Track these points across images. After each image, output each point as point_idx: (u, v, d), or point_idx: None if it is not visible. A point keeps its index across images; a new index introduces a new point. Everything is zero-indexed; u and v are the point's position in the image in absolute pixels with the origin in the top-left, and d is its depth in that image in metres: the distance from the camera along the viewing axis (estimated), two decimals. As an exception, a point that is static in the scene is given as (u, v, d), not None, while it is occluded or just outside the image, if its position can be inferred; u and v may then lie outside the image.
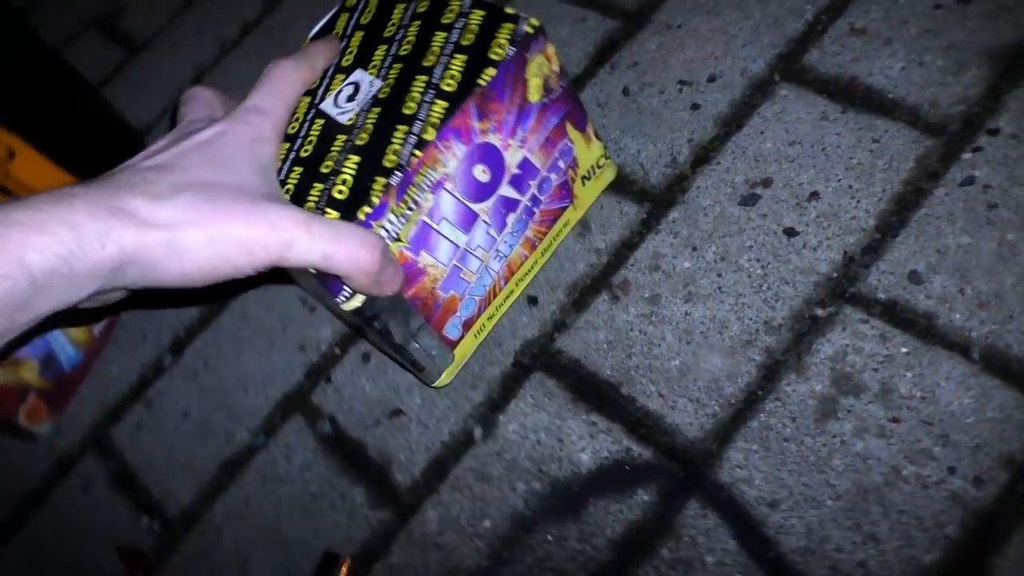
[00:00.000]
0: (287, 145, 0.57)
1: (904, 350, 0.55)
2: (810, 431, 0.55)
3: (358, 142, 0.54)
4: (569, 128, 0.60)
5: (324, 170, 0.54)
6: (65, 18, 1.17)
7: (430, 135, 0.52)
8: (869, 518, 0.51)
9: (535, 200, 0.61)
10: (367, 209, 0.51)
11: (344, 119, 0.56)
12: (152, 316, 0.81)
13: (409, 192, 0.53)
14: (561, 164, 0.61)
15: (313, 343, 0.73)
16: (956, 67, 0.64)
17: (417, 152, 0.52)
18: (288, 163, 0.56)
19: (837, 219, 0.61)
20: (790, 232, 0.62)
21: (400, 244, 0.54)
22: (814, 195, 0.63)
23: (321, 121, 0.57)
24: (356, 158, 0.53)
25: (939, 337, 0.55)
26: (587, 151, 0.63)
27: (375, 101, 0.56)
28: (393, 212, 0.53)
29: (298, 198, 0.53)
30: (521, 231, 0.61)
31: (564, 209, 0.64)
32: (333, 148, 0.55)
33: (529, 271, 0.64)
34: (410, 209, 0.53)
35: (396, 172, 0.52)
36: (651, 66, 0.75)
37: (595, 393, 0.61)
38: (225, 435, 0.71)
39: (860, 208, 0.61)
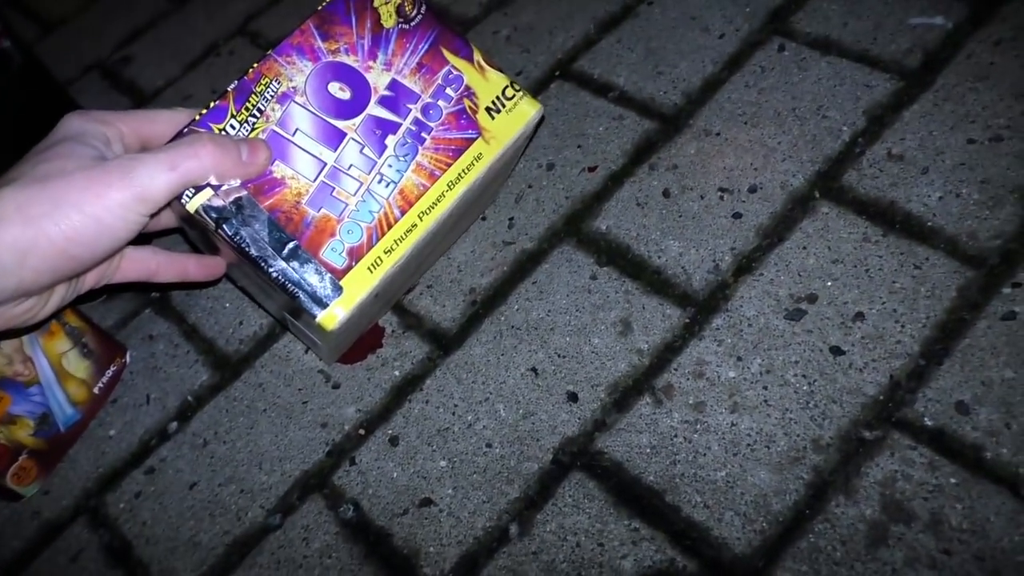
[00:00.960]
0: None
1: (953, 480, 0.56)
2: (860, 556, 0.55)
3: None
4: (447, 55, 0.62)
5: None
6: (64, 63, 1.14)
7: (268, 50, 0.57)
8: (922, 652, 0.51)
9: (421, 125, 0.60)
10: (203, 111, 0.55)
11: None
12: (157, 376, 0.77)
13: (251, 99, 0.56)
14: (450, 92, 0.61)
15: (336, 422, 0.70)
16: (992, 201, 0.67)
17: (255, 64, 0.57)
18: None
19: (883, 342, 0.62)
20: (836, 351, 0.63)
21: None
22: (859, 316, 0.64)
23: None
24: None
25: (987, 471, 0.56)
26: (483, 80, 0.62)
27: None
28: (235, 117, 0.56)
29: None
30: (410, 156, 0.59)
31: (470, 141, 0.61)
32: None
33: (436, 203, 0.60)
34: (254, 116, 0.56)
35: (235, 81, 0.56)
36: (691, 170, 0.77)
37: (638, 499, 0.61)
38: (236, 512, 0.68)
39: (905, 333, 0.62)
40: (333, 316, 0.57)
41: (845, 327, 0.64)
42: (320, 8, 0.59)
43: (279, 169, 0.56)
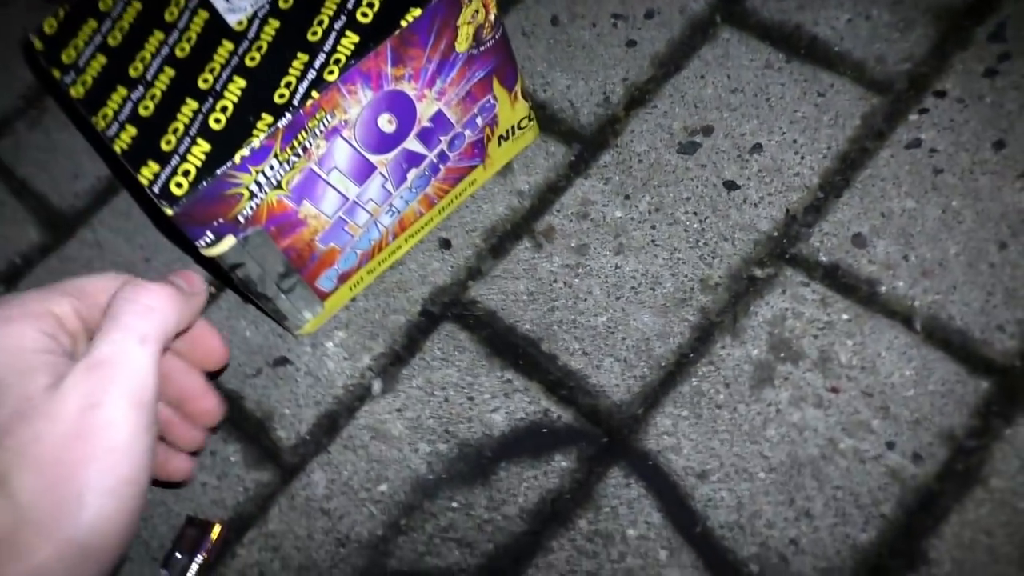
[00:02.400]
0: (160, 35, 0.48)
1: (845, 317, 0.52)
2: (744, 398, 0.51)
3: (248, 62, 0.46)
4: (495, 84, 0.54)
5: (202, 85, 0.46)
6: None
7: (333, 75, 0.44)
8: (803, 493, 0.48)
9: (443, 157, 0.55)
10: (244, 152, 0.44)
11: (233, 19, 0.47)
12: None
13: (299, 137, 0.45)
14: (479, 121, 0.55)
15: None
16: (903, 23, 0.61)
17: (315, 93, 0.44)
18: (159, 59, 0.47)
19: (780, 175, 0.57)
20: (730, 185, 0.57)
21: (280, 192, 0.47)
22: (757, 147, 0.58)
23: (205, 14, 0.48)
24: (242, 82, 0.45)
25: (881, 305, 0.52)
26: (511, 110, 0.57)
27: (274, 9, 0.47)
28: (277, 157, 0.45)
29: (164, 111, 0.45)
30: (422, 188, 0.55)
31: (472, 168, 0.58)
32: (216, 58, 0.46)
33: (422, 228, 0.59)
34: (297, 156, 0.46)
35: (287, 112, 0.44)
36: (584, -3, 0.68)
37: (512, 349, 0.55)
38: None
39: (804, 165, 0.57)
40: (308, 330, 0.58)
41: (741, 160, 0.58)
42: (406, 24, 0.45)
43: (304, 209, 0.49)
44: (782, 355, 0.51)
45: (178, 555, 0.51)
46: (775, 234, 0.55)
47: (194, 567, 0.50)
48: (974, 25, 0.59)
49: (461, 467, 0.52)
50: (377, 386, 0.56)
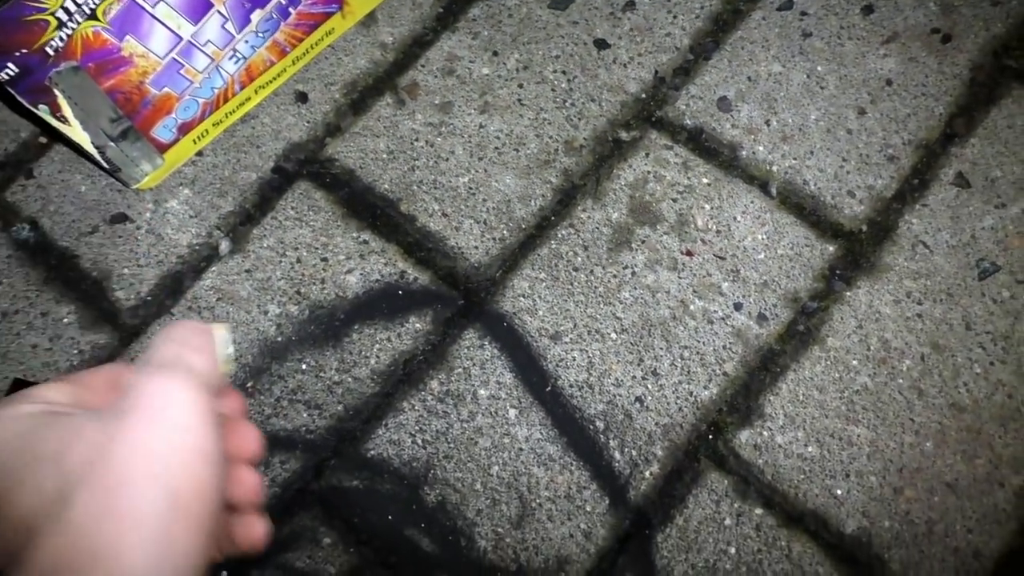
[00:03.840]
0: None
1: (705, 180, 0.51)
2: (602, 261, 0.50)
3: None
4: None
5: None
6: None
7: None
8: (652, 353, 0.48)
9: (298, 1, 0.50)
10: None
11: None
12: None
13: None
14: None
15: (10, 128, 0.57)
16: None
17: None
18: None
19: (651, 34, 0.55)
20: (601, 44, 0.55)
21: (96, 23, 0.42)
22: (630, 4, 0.56)
23: None
24: None
25: (741, 169, 0.52)
26: None
27: None
28: None
29: None
30: (270, 33, 0.51)
31: (329, 15, 0.54)
32: None
33: (274, 79, 0.54)
34: None
35: None
36: None
37: (370, 209, 0.53)
38: None
39: (676, 25, 0.55)
40: (147, 184, 0.53)
41: (614, 18, 0.56)
42: None
43: (128, 46, 0.44)
44: (641, 218, 0.51)
45: None
46: (643, 96, 0.54)
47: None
48: None
49: (312, 329, 0.50)
50: (225, 246, 0.53)
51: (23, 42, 0.40)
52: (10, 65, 0.41)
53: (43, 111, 0.45)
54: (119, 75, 0.45)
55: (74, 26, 0.41)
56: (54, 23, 0.41)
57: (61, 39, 0.41)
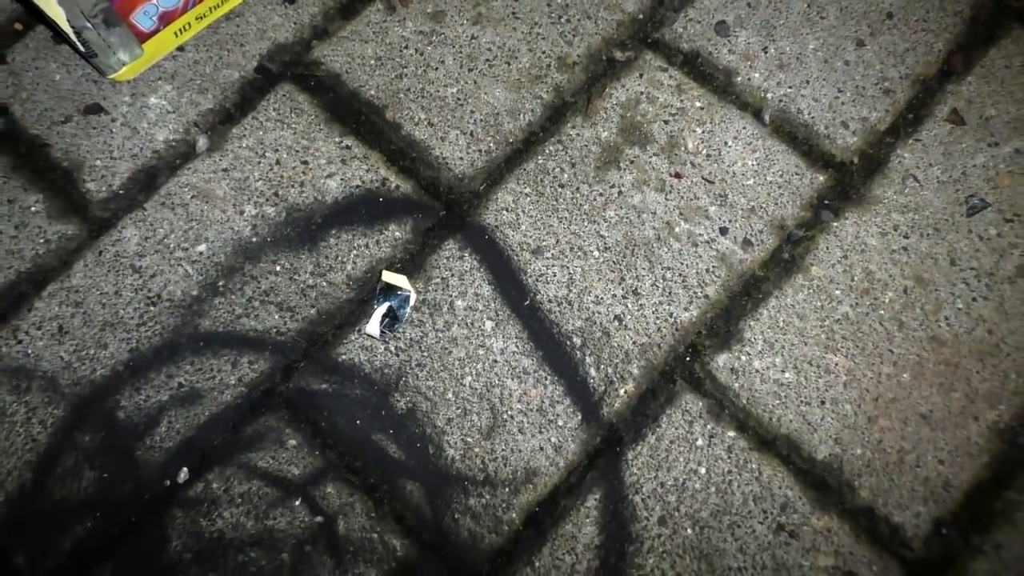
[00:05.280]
0: None
1: (699, 104, 0.50)
2: (588, 179, 0.49)
3: None
4: None
5: None
6: None
7: None
8: (634, 272, 0.47)
9: None
10: None
11: None
12: None
13: None
14: None
15: (-16, 11, 0.55)
16: None
17: None
18: None
19: (653, -46, 0.54)
20: (601, -39, 0.54)
21: None
22: (633, -76, 0.54)
23: None
24: None
25: (735, 95, 0.51)
26: None
27: None
28: None
29: None
30: None
31: None
32: None
33: None
34: None
35: None
36: None
37: (354, 114, 0.51)
38: None
39: (679, -54, 0.54)
40: (126, 75, 0.51)
41: (615, -64, 0.54)
42: None
43: None
44: (631, 138, 0.50)
45: None
46: (640, 17, 0.52)
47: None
48: None
49: (288, 232, 0.49)
50: (203, 143, 0.51)
51: None
52: None
53: None
54: None
55: None
56: None
57: None
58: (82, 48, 0.48)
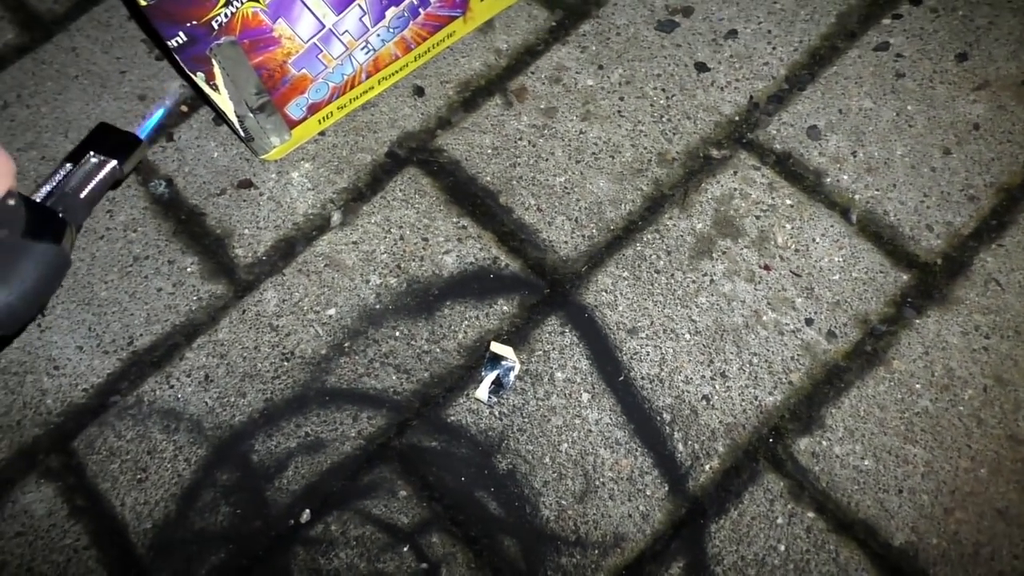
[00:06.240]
0: None
1: (789, 202, 0.54)
2: (683, 266, 0.54)
3: None
4: None
5: None
6: None
7: None
8: (722, 356, 0.51)
9: (426, 4, 0.55)
10: None
11: None
12: (-43, 32, 0.67)
13: None
14: None
15: (157, 96, 0.63)
16: (895, -66, 0.62)
17: None
18: None
19: (750, 62, 0.58)
20: (701, 67, 0.59)
21: (256, 5, 0.48)
22: (732, 33, 0.59)
23: None
24: None
25: (824, 195, 0.54)
26: None
27: None
28: None
29: None
30: (399, 29, 0.56)
31: (453, 18, 0.59)
32: None
33: (397, 72, 0.60)
34: None
35: None
36: None
37: (471, 198, 0.57)
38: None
39: (775, 55, 0.58)
40: (274, 156, 0.59)
41: (716, 44, 0.59)
42: None
43: (280, 28, 0.50)
44: (724, 231, 0.54)
45: (93, 155, 0.47)
46: (736, 118, 0.57)
47: (108, 168, 0.47)
48: (962, -60, 0.60)
49: (408, 301, 0.55)
50: (337, 218, 0.57)
51: (194, 15, 0.46)
52: (180, 34, 0.47)
53: (199, 78, 0.50)
54: (267, 53, 0.51)
55: (239, 5, 0.47)
56: (223, 1, 0.46)
57: (225, 16, 0.47)
58: (241, 132, 0.56)
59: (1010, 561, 0.45)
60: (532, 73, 0.60)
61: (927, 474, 0.47)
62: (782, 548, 0.46)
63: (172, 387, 0.53)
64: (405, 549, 0.48)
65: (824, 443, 0.48)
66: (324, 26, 0.52)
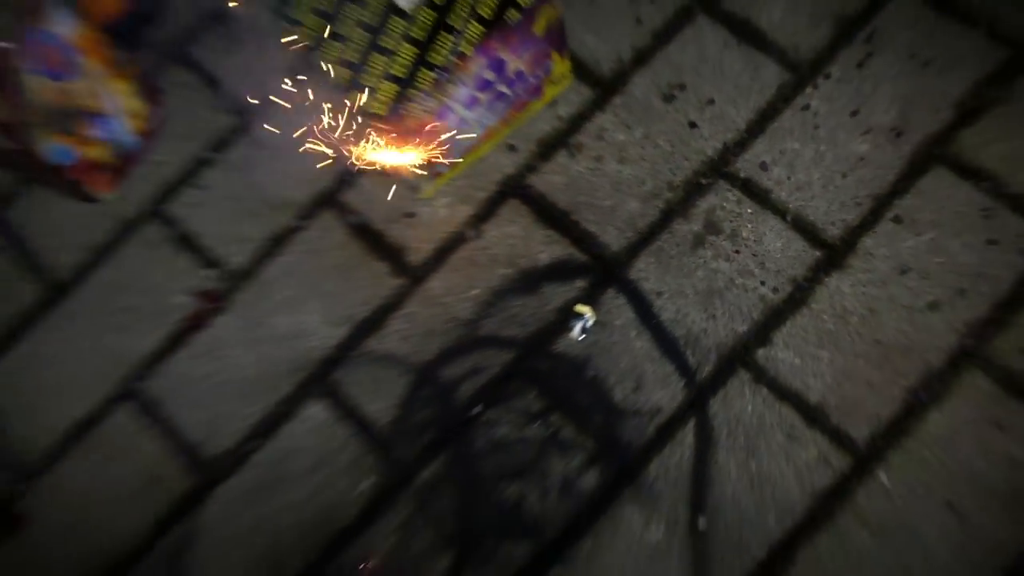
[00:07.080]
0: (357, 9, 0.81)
1: (749, 211, 0.89)
2: (687, 254, 0.89)
3: (413, 34, 0.79)
4: (553, 52, 0.88)
5: (383, 44, 0.79)
6: None
7: (468, 51, 0.78)
8: (712, 307, 0.87)
9: (517, 95, 0.89)
10: (414, 92, 0.78)
11: (404, 3, 0.80)
12: (193, 113, 1.01)
13: (445, 84, 0.80)
14: (540, 73, 0.89)
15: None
16: (814, 23, 0.95)
17: (458, 60, 0.78)
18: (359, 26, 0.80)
19: (723, 120, 0.93)
20: (692, 125, 0.93)
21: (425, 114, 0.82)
22: (711, 101, 0.94)
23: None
24: (412, 48, 0.78)
25: (771, 205, 0.89)
26: (560, 65, 0.91)
27: (430, 3, 0.80)
28: (433, 97, 0.80)
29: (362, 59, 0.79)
30: (501, 112, 0.90)
31: (533, 101, 0.92)
32: (390, 28, 0.79)
33: (498, 136, 0.93)
34: (443, 95, 0.81)
35: (441, 70, 0.78)
36: (610, -20, 1.01)
37: (552, 217, 0.92)
38: (270, 218, 0.96)
39: (739, 116, 0.93)
40: (426, 195, 0.93)
41: (701, 108, 0.94)
42: (509, 23, 0.79)
43: (440, 128, 0.83)
44: (710, 231, 0.89)
45: None
46: (716, 158, 0.92)
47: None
48: (856, 30, 0.94)
49: (520, 284, 0.90)
50: (471, 233, 0.93)
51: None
52: None
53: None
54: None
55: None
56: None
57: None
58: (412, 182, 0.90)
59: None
60: (583, 132, 0.95)
61: (831, 362, 0.83)
62: (749, 409, 0.82)
63: (382, 343, 0.89)
64: (536, 425, 0.84)
65: (773, 352, 0.84)
66: (460, 118, 0.86)
